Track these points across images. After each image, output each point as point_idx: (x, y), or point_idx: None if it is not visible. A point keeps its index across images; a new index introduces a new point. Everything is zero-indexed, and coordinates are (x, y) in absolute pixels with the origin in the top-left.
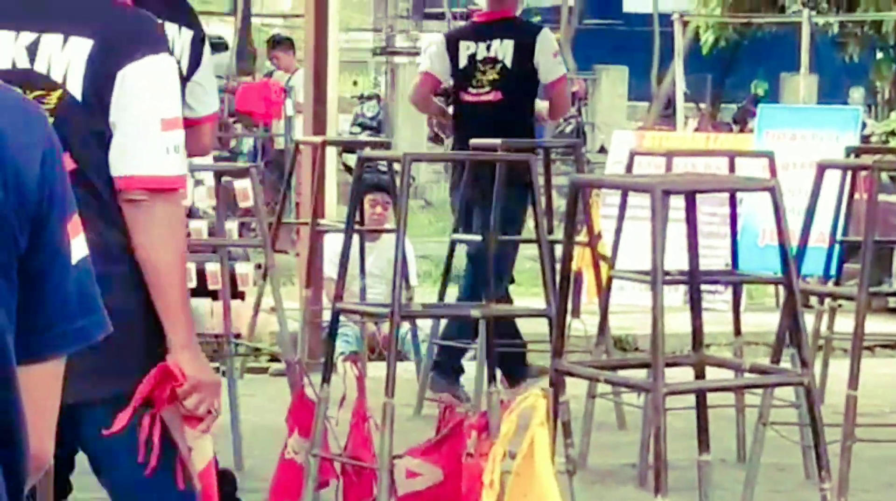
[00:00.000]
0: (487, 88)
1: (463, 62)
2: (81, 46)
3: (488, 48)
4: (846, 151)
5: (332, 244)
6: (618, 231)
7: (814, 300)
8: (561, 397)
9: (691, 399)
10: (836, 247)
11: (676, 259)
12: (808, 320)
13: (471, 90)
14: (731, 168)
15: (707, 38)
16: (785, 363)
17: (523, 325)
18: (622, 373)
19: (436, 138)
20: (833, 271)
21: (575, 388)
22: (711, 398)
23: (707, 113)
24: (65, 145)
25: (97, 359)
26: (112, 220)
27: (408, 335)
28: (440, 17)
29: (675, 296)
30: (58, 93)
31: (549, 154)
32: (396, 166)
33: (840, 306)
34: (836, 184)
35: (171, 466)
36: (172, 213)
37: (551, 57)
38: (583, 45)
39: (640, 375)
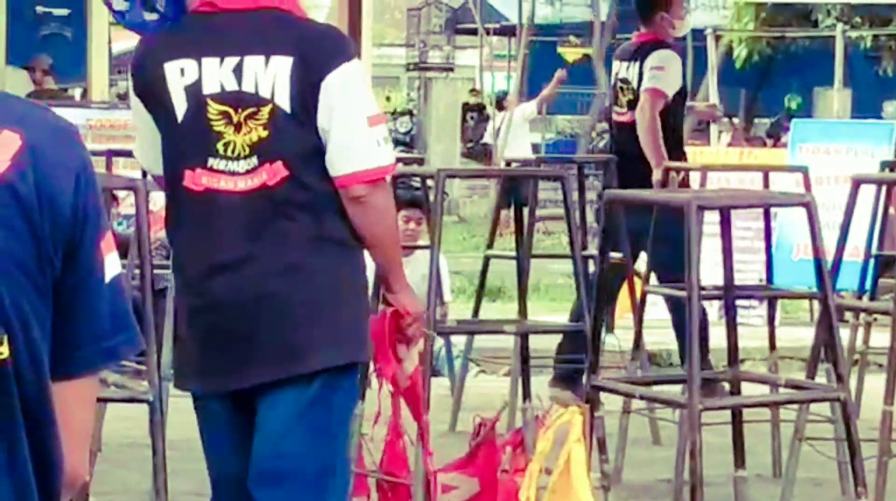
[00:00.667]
0: (625, 109)
1: (612, 81)
2: (283, 63)
3: (627, 69)
4: (881, 165)
5: (367, 260)
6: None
7: (849, 315)
8: (596, 413)
9: (726, 415)
10: (871, 261)
11: (711, 274)
12: (843, 334)
13: (616, 110)
14: (766, 183)
15: (740, 53)
16: (820, 378)
17: (557, 340)
18: (657, 389)
19: (469, 154)
20: (868, 286)
21: (609, 403)
22: (747, 413)
23: (740, 127)
24: (278, 155)
25: (295, 341)
26: (325, 215)
27: (442, 350)
28: (473, 32)
29: (710, 311)
30: (268, 108)
31: (582, 170)
32: (430, 182)
33: (875, 320)
34: (870, 198)
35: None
36: (386, 195)
37: (649, 69)
38: None
39: (675, 390)
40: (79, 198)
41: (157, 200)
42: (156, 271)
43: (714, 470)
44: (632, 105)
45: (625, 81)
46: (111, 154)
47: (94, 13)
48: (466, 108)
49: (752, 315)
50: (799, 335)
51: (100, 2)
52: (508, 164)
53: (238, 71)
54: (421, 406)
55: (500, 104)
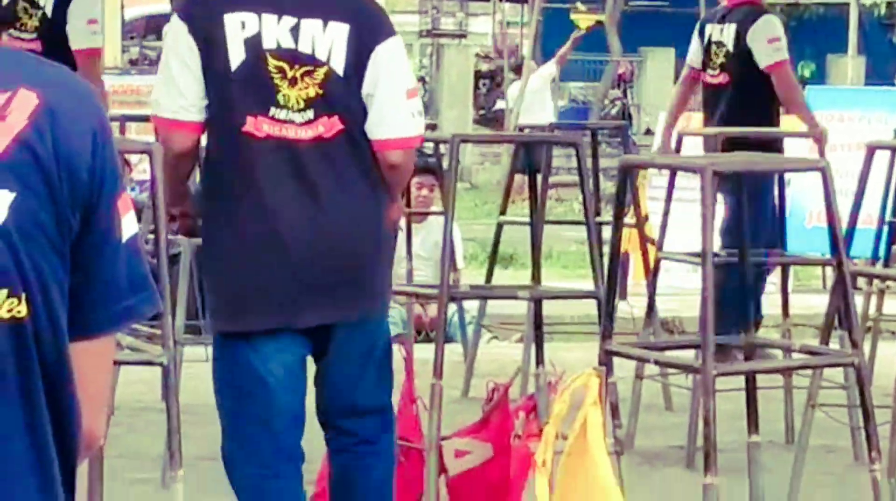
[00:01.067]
0: (717, 71)
1: (704, 44)
2: (340, 30)
3: (721, 31)
4: (895, 132)
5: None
6: (665, 213)
7: (862, 282)
8: (609, 378)
9: (739, 381)
10: (885, 228)
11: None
12: (857, 301)
13: (709, 72)
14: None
15: None
16: (833, 346)
17: (572, 306)
18: (670, 354)
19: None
20: (881, 253)
21: (622, 370)
22: (759, 380)
23: None
24: (333, 110)
25: (358, 284)
26: (369, 169)
27: (454, 316)
28: None
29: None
30: (324, 69)
31: (595, 136)
32: (443, 149)
33: (888, 287)
34: (884, 166)
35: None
36: (412, 161)
37: (765, 42)
38: (629, 28)
39: (688, 356)
40: (96, 158)
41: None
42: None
43: (726, 437)
44: (724, 68)
45: (719, 43)
46: (125, 119)
47: None
48: (479, 75)
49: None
50: (811, 301)
51: None
52: (521, 130)
53: (295, 31)
54: None
55: (518, 69)
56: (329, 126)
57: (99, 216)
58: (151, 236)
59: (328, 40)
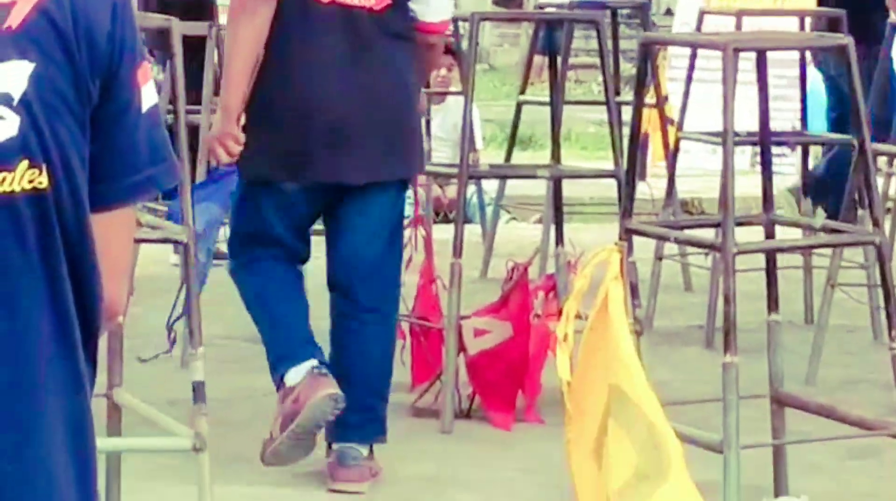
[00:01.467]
0: None
1: None
2: None
3: None
4: None
5: None
6: (686, 93)
7: (882, 163)
8: (629, 258)
9: (759, 261)
10: None
11: (743, 121)
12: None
13: None
14: (801, 27)
15: None
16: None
17: (591, 187)
18: (690, 233)
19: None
20: None
21: (641, 251)
22: (779, 260)
23: None
24: None
25: (394, 150)
26: (412, 44)
27: (473, 197)
28: None
29: (741, 159)
30: None
31: (615, 15)
32: (462, 30)
33: None
34: None
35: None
36: (442, 41)
37: None
38: None
39: (708, 235)
40: (115, 27)
41: None
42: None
43: (746, 317)
44: None
45: None
46: None
47: None
48: None
49: (783, 163)
50: None
51: None
52: (541, 9)
53: None
54: None
55: None
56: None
57: (119, 85)
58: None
59: None
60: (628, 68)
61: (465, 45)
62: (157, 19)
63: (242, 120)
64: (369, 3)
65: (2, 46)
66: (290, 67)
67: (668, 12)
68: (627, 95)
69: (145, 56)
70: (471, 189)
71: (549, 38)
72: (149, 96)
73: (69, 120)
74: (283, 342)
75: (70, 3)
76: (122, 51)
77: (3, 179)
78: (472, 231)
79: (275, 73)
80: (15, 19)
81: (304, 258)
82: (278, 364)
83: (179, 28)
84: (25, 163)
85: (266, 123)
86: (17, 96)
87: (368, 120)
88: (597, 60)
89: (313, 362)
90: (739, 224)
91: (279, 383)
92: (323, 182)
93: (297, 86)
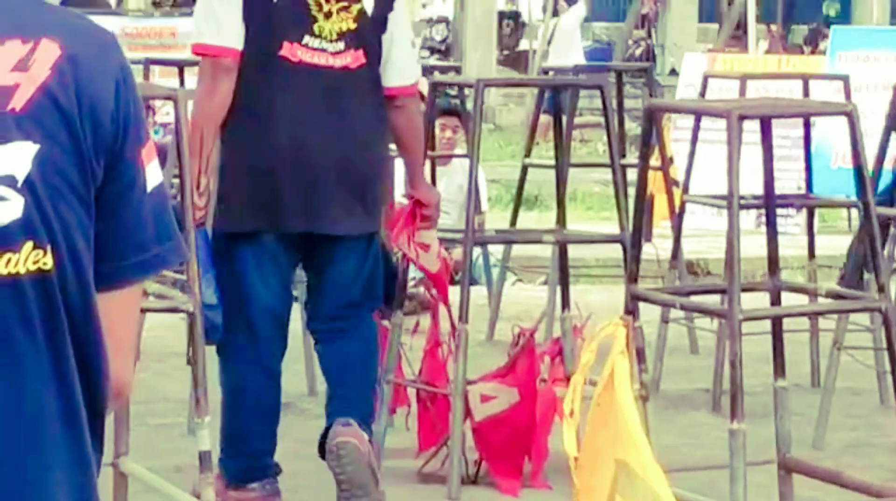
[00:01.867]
0: None
1: None
2: None
3: None
4: None
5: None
6: (691, 155)
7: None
8: (635, 323)
9: (765, 324)
10: None
11: (748, 183)
12: None
13: None
14: (805, 91)
15: None
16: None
17: (595, 251)
18: (696, 299)
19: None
20: None
21: (647, 313)
22: (785, 323)
23: (778, 34)
24: (360, 45)
25: (364, 204)
26: (380, 101)
27: (479, 259)
28: None
29: (747, 219)
30: (358, 7)
31: (621, 78)
32: (467, 91)
33: None
34: None
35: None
36: (418, 102)
37: None
38: None
39: (714, 300)
40: (119, 107)
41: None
42: None
43: (751, 380)
44: None
45: None
46: (149, 63)
47: None
48: (502, 15)
49: (788, 224)
50: (837, 243)
51: None
52: (546, 73)
53: None
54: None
55: (555, 10)
56: (355, 58)
57: (123, 164)
58: (176, 180)
59: None
60: (633, 128)
61: (469, 105)
62: (162, 89)
63: (203, 184)
64: (342, 62)
65: (6, 128)
66: (265, 122)
67: (673, 72)
68: (633, 156)
69: (149, 135)
70: (476, 251)
71: (554, 100)
72: (153, 175)
73: (74, 201)
74: (242, 456)
75: (74, 84)
76: (127, 131)
77: (8, 261)
78: (478, 293)
79: (249, 127)
80: (19, 101)
81: (283, 347)
82: (229, 470)
83: (185, 96)
84: (30, 244)
85: (241, 175)
86: (21, 178)
87: (339, 173)
88: (601, 119)
89: (262, 482)
90: (745, 289)
91: (225, 480)
92: (299, 231)
93: (271, 137)
